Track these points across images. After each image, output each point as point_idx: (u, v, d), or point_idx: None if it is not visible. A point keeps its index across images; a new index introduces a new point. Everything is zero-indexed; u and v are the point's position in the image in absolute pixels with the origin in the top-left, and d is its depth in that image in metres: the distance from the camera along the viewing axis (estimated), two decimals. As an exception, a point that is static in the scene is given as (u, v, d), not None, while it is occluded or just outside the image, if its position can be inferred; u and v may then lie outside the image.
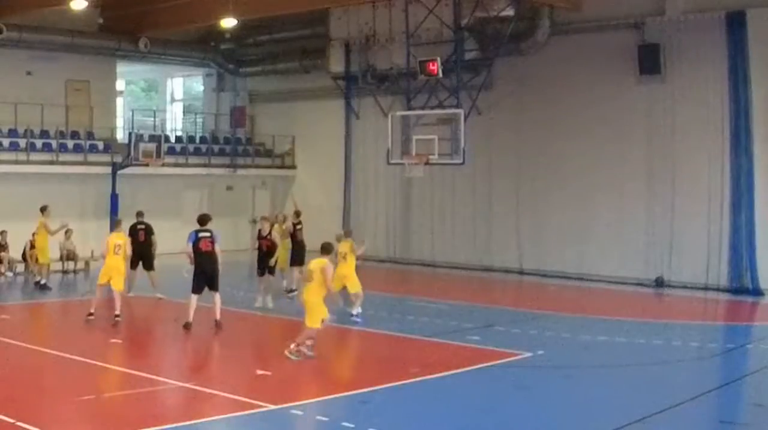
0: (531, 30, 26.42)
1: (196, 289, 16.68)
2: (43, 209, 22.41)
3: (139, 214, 21.64)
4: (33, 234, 23.25)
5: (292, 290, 20.84)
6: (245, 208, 33.26)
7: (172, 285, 22.78)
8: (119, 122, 34.04)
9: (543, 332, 16.96)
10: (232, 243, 27.11)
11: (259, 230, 20.02)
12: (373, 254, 30.61)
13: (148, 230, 21.25)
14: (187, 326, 16.50)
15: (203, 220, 17.01)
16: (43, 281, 22.20)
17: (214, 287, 16.74)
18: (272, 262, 19.59)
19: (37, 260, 22.83)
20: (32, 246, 23.69)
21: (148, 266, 21.15)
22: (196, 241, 16.57)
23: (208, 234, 16.74)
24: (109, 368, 14.00)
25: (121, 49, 31.40)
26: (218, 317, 16.68)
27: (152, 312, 19.67)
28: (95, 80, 31.04)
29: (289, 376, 13.75)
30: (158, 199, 30.01)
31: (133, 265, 20.56)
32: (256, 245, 20.03)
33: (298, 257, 20.84)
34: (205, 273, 16.61)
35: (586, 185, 26.21)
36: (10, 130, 27.70)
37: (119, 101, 35.85)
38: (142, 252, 20.65)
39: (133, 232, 20.61)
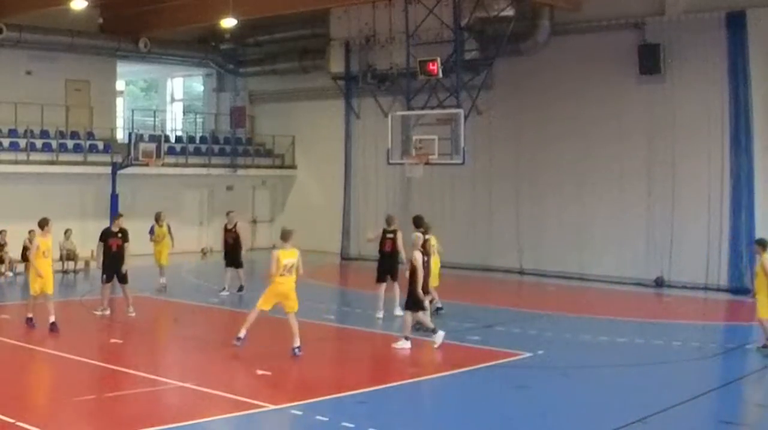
0: (531, 30, 26.40)
1: None
2: None
3: (117, 217, 19.31)
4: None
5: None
6: (245, 208, 33.25)
7: (174, 285, 22.81)
8: (119, 122, 34.07)
9: (543, 332, 16.95)
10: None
11: (384, 230, 18.45)
12: (372, 253, 30.60)
13: (124, 237, 18.32)
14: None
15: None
16: None
17: None
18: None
19: None
20: None
21: (122, 279, 18.28)
22: None
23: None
24: (109, 368, 13.97)
25: (121, 49, 31.43)
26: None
27: (152, 312, 19.62)
28: (95, 80, 31.07)
29: (289, 376, 13.75)
30: (158, 199, 30.02)
31: (108, 278, 18.28)
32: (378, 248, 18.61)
33: (387, 269, 18.56)
34: None
35: (586, 185, 26.20)
36: (10, 130, 27.71)
37: (119, 101, 35.87)
38: (116, 263, 18.15)
39: (105, 238, 18.23)
